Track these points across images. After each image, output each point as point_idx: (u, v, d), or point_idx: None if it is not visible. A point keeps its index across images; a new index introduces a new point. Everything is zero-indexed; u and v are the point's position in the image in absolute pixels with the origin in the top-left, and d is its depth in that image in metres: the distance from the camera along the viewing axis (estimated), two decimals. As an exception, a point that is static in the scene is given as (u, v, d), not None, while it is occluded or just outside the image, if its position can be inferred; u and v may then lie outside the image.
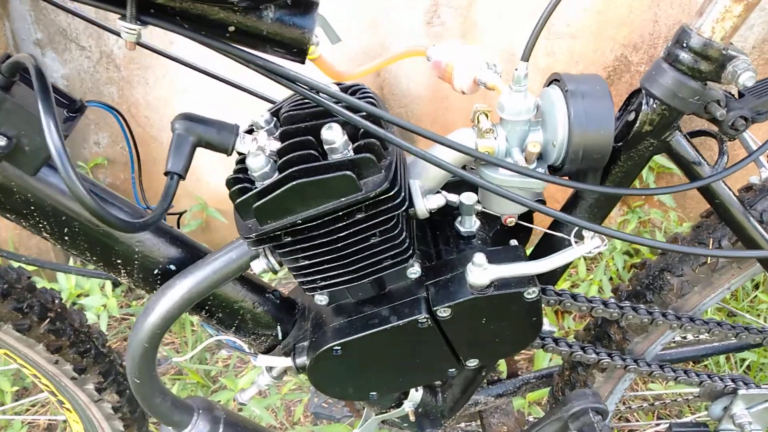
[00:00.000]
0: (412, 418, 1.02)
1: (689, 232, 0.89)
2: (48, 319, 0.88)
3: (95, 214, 0.54)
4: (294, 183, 0.62)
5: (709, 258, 0.84)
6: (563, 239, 0.82)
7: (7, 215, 0.71)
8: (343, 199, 0.64)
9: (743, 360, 1.76)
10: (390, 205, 0.66)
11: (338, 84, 0.74)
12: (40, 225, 0.71)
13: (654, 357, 0.98)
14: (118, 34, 0.70)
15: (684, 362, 1.17)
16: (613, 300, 0.84)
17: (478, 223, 0.82)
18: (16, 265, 0.89)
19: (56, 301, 0.92)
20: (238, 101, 1.22)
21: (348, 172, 0.62)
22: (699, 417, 1.49)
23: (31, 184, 0.69)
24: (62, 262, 1.97)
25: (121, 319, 2.02)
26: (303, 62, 0.63)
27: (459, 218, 0.83)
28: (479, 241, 0.84)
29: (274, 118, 0.72)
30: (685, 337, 1.14)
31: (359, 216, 0.66)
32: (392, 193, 0.65)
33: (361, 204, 0.65)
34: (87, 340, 0.95)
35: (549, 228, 0.85)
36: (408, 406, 1.00)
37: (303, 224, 0.65)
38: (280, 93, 0.88)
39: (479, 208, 0.81)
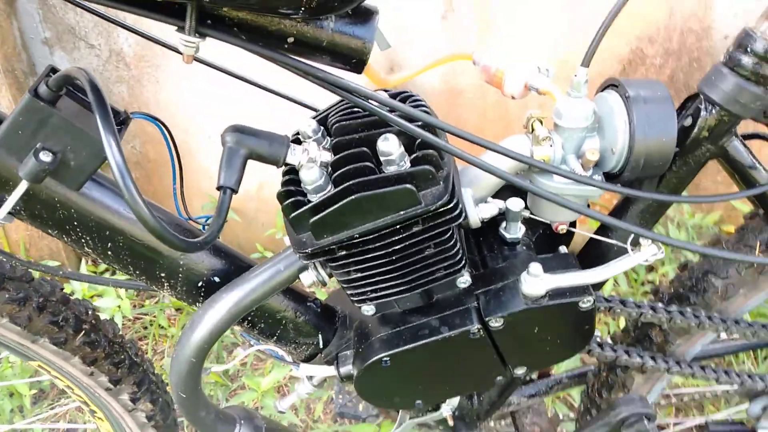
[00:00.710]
0: (450, 423, 1.02)
1: (733, 234, 0.88)
2: (83, 332, 0.87)
3: (159, 235, 0.52)
4: (353, 197, 0.60)
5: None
6: (611, 245, 0.81)
7: (49, 231, 0.69)
8: (402, 213, 0.62)
9: (766, 357, 1.75)
10: (448, 217, 0.64)
11: (385, 91, 0.72)
12: (83, 240, 0.70)
13: (692, 357, 0.97)
14: (129, 29, 0.68)
15: (710, 359, 1.17)
16: (660, 305, 0.83)
17: (523, 228, 0.81)
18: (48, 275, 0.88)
19: (90, 312, 0.90)
20: (256, 100, 1.19)
21: (408, 186, 0.61)
22: (720, 413, 1.48)
23: (74, 200, 0.67)
24: (74, 263, 1.95)
25: (135, 319, 2.00)
26: (360, 72, 0.61)
27: (503, 224, 0.82)
28: (524, 247, 0.82)
29: (321, 127, 0.70)
30: (718, 337, 1.14)
31: (416, 229, 0.65)
32: (451, 205, 0.63)
33: (420, 217, 0.63)
34: (121, 351, 0.94)
35: (596, 233, 0.84)
36: (446, 411, 0.99)
37: (359, 238, 0.64)
38: (317, 100, 0.86)
39: (526, 214, 0.79)
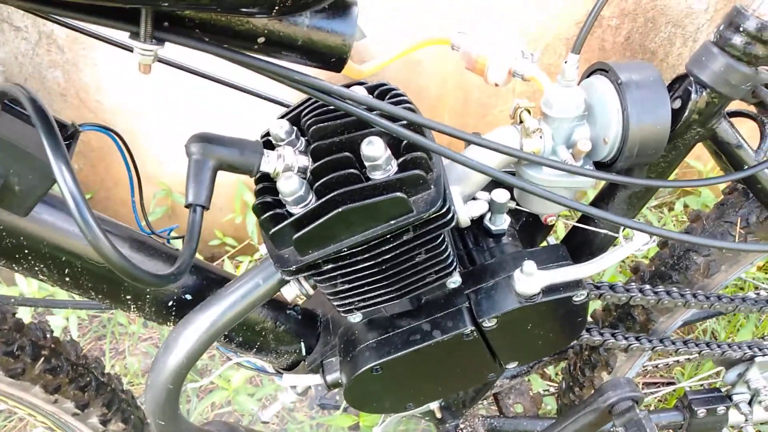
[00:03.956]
0: (438, 415, 1.00)
1: (712, 209, 0.88)
2: (42, 358, 0.80)
3: (128, 274, 0.46)
4: (340, 210, 0.55)
5: (737, 238, 0.83)
6: (596, 232, 0.79)
7: (-4, 261, 0.61)
8: (393, 222, 0.58)
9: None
10: (440, 222, 0.60)
11: (361, 84, 0.67)
12: (36, 268, 0.62)
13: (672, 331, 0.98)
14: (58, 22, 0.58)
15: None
16: (649, 287, 0.82)
17: (508, 219, 0.78)
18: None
19: (48, 336, 0.82)
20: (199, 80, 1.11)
21: (399, 194, 0.56)
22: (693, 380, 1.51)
23: (23, 226, 0.59)
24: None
25: (92, 318, 1.90)
26: (340, 71, 0.55)
27: (488, 216, 0.78)
28: (509, 238, 0.80)
29: (294, 128, 0.64)
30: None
31: (406, 237, 0.60)
32: (444, 210, 0.59)
33: (412, 225, 0.59)
34: (86, 373, 0.87)
35: (580, 221, 0.81)
36: (434, 405, 0.98)
37: (347, 251, 0.59)
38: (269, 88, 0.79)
39: (512, 205, 0.76)
